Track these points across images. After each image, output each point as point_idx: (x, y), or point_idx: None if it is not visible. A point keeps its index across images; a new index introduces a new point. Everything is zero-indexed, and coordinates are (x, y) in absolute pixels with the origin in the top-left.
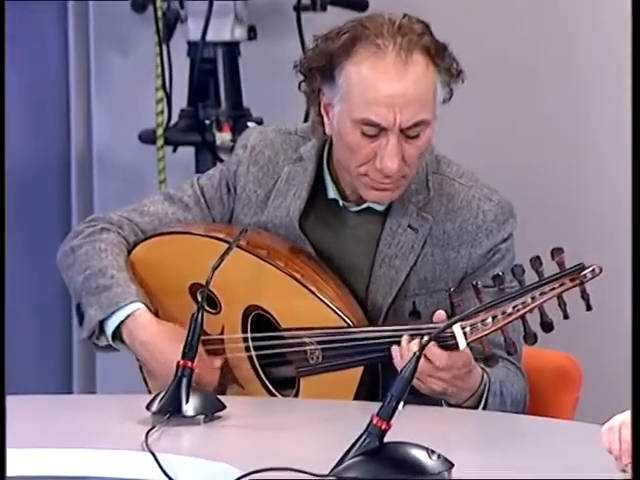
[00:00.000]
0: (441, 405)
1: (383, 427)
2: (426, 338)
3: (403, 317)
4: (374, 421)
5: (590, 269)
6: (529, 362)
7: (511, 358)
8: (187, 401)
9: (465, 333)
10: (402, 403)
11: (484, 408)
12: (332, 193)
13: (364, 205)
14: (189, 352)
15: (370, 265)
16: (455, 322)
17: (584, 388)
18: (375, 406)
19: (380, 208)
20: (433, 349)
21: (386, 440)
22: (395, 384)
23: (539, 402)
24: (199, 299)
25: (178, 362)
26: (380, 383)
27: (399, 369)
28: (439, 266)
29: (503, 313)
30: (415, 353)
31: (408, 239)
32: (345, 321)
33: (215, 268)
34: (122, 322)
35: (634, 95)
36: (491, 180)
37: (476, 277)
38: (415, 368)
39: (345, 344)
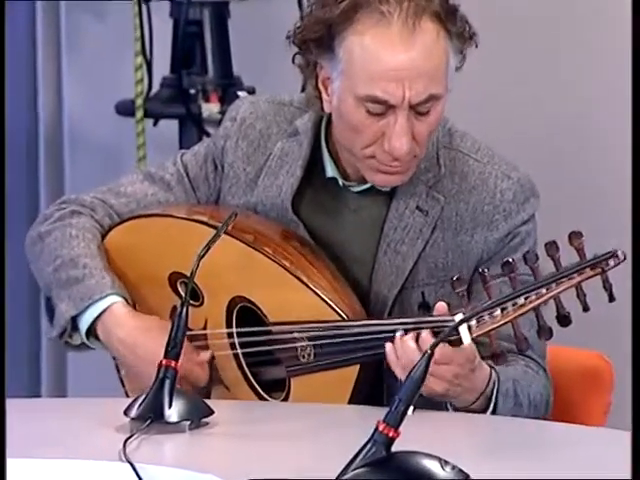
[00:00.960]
0: (445, 408)
1: (391, 435)
2: (426, 333)
3: (411, 310)
4: (380, 428)
5: (612, 255)
6: (553, 361)
7: (533, 355)
8: (170, 405)
9: (470, 327)
10: (412, 408)
11: (494, 412)
12: (330, 171)
13: (367, 185)
14: (172, 351)
15: (374, 252)
16: (466, 321)
17: (617, 390)
18: (374, 411)
19: (385, 188)
20: (429, 341)
21: (394, 449)
22: (403, 387)
23: (565, 406)
24: (180, 291)
25: (160, 362)
26: (385, 384)
27: (393, 369)
28: (451, 252)
29: (514, 305)
30: (426, 352)
31: (416, 222)
32: (339, 314)
33: (201, 257)
34: (97, 317)
35: (634, 95)
36: (508, 156)
37: (493, 264)
38: (427, 368)
39: (339, 340)
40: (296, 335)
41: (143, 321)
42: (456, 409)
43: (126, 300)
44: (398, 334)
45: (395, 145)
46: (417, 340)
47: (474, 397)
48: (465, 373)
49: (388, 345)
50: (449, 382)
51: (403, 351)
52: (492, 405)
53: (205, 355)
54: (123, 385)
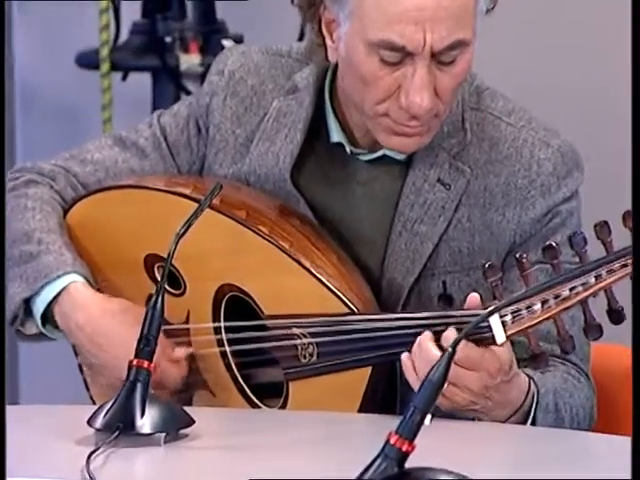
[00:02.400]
0: (473, 418)
1: (404, 448)
2: (450, 331)
3: (430, 302)
4: (392, 440)
5: None
6: (598, 361)
7: (574, 358)
8: (142, 414)
9: (504, 323)
10: (429, 417)
11: None
12: (336, 136)
13: (379, 152)
14: (145, 349)
15: (386, 233)
16: (498, 310)
17: None
18: (389, 420)
19: (400, 157)
20: (451, 338)
21: (408, 465)
22: (419, 392)
23: (612, 412)
24: (158, 276)
25: (131, 362)
26: (398, 390)
27: (410, 381)
28: (478, 234)
29: (556, 297)
30: (447, 350)
31: (437, 197)
32: (348, 306)
33: (180, 236)
34: (54, 300)
35: (634, 95)
36: (547, 119)
37: (528, 249)
38: (447, 370)
39: (347, 337)
40: (296, 331)
41: (109, 303)
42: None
43: (88, 281)
44: (417, 342)
45: (414, 100)
46: (437, 340)
47: (508, 413)
48: (497, 384)
49: (404, 355)
50: (476, 394)
51: (422, 359)
52: (530, 422)
53: (181, 352)
54: (87, 388)
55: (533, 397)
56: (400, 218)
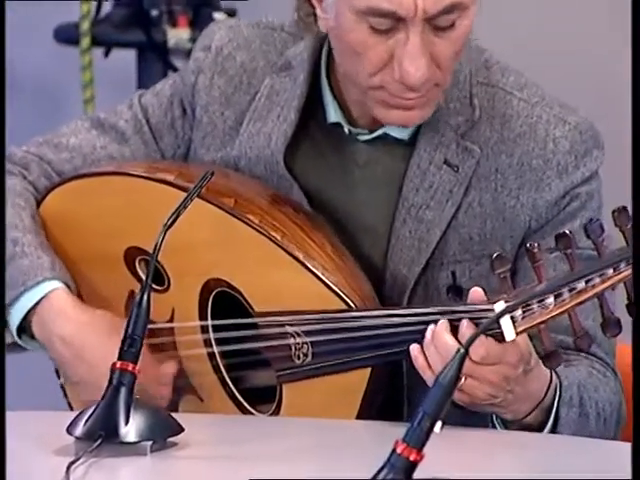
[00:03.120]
0: (490, 423)
1: (412, 458)
2: (467, 324)
3: (438, 295)
4: (399, 449)
5: None
6: (621, 361)
7: (597, 352)
8: (127, 421)
9: (514, 319)
10: (439, 423)
11: (555, 425)
12: (333, 115)
13: (380, 131)
14: (130, 350)
15: (389, 219)
16: (509, 311)
17: None
18: (391, 428)
19: (403, 136)
20: (468, 336)
21: (416, 476)
22: (429, 395)
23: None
24: (140, 271)
25: (114, 364)
26: (404, 394)
27: (426, 378)
28: (490, 219)
29: (571, 290)
30: (459, 350)
31: (444, 181)
32: (345, 302)
33: (168, 227)
34: (32, 309)
35: (634, 95)
36: (563, 95)
37: (544, 236)
38: (459, 371)
39: (345, 336)
40: (289, 329)
41: (92, 316)
42: (504, 425)
43: (69, 287)
44: (429, 332)
45: (408, 70)
46: (454, 333)
47: (529, 407)
48: (518, 375)
49: (415, 348)
50: (496, 387)
51: (438, 350)
52: (552, 417)
53: (169, 368)
54: (65, 395)
55: (556, 390)
56: (404, 203)
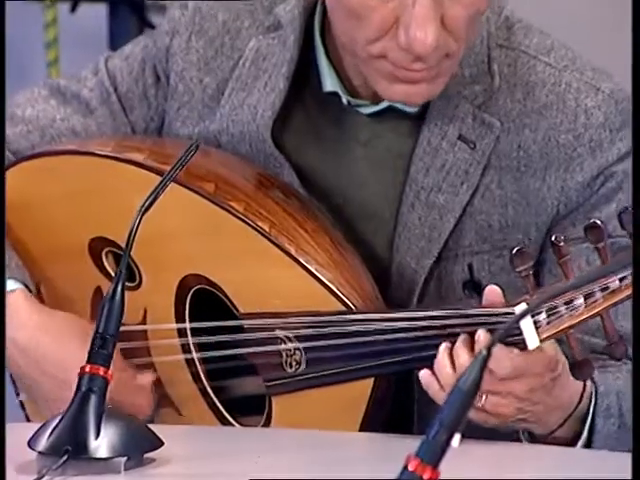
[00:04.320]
0: (517, 438)
1: (426, 476)
2: (482, 334)
3: (453, 291)
4: (411, 466)
5: None
6: None
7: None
8: (98, 433)
9: (538, 323)
10: (458, 436)
11: (590, 438)
12: (330, 83)
13: (384, 103)
14: (101, 351)
15: (396, 204)
16: (527, 314)
17: None
18: (401, 441)
19: (411, 108)
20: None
21: None
22: (445, 404)
23: None
24: (107, 265)
25: (83, 368)
26: (415, 407)
27: (431, 394)
28: (512, 204)
29: (604, 290)
30: (482, 352)
31: (459, 159)
32: (343, 302)
33: (143, 212)
34: None
35: (634, 94)
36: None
37: (575, 222)
38: (480, 376)
39: (343, 341)
40: (279, 333)
41: (52, 319)
42: (533, 439)
43: (27, 287)
44: (443, 350)
45: (415, 36)
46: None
47: (559, 418)
48: (545, 384)
49: (425, 374)
50: (524, 400)
51: (445, 366)
52: (587, 429)
53: (147, 378)
54: (23, 407)
55: (591, 398)
56: (412, 186)
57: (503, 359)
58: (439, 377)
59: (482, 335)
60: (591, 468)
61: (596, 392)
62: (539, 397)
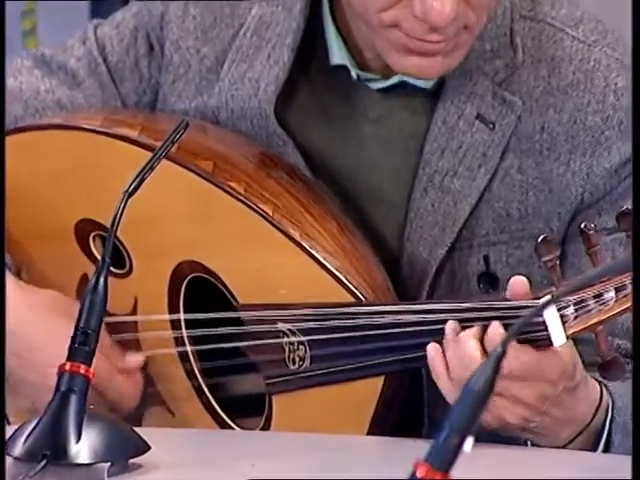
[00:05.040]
0: (523, 442)
1: None
2: (496, 326)
3: (467, 285)
4: (420, 472)
5: None
6: None
7: None
8: (79, 437)
9: (564, 318)
10: (471, 439)
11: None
12: (338, 56)
13: (397, 78)
14: (82, 347)
15: (408, 189)
16: (554, 301)
17: None
18: (409, 445)
19: (426, 84)
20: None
21: None
22: (456, 405)
23: None
24: (94, 249)
25: (62, 366)
26: (425, 409)
27: (440, 385)
28: (533, 191)
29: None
30: (497, 350)
31: (477, 141)
32: (352, 293)
33: (130, 194)
34: None
35: (634, 94)
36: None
37: (601, 212)
38: (494, 375)
39: (350, 335)
40: (281, 326)
41: (34, 296)
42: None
43: (6, 266)
44: (450, 328)
45: (432, 5)
46: (481, 338)
47: (571, 433)
48: (558, 394)
49: (432, 348)
50: (531, 408)
51: (457, 356)
52: (602, 445)
53: (135, 358)
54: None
55: (607, 411)
56: (425, 169)
57: (510, 355)
58: (447, 353)
59: (493, 327)
60: (591, 468)
61: (613, 405)
62: (548, 407)
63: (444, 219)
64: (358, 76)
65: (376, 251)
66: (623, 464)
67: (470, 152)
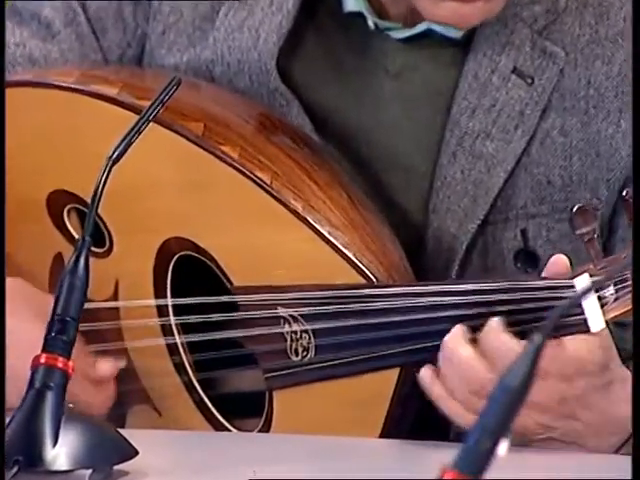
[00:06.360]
0: None
1: None
2: (496, 326)
3: (502, 263)
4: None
5: None
6: None
7: None
8: (55, 440)
9: (603, 300)
10: (505, 443)
11: None
12: (352, 2)
13: (421, 26)
14: (60, 337)
15: (433, 154)
16: (595, 287)
17: None
18: (435, 449)
19: (455, 34)
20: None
21: None
22: (489, 404)
23: None
24: (69, 225)
25: (36, 359)
26: None
27: (438, 403)
28: (578, 155)
29: None
30: (534, 341)
31: (513, 98)
32: (363, 274)
33: (114, 161)
34: None
35: (634, 94)
36: None
37: None
38: (532, 373)
39: (362, 322)
40: (282, 312)
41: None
42: None
43: None
44: (451, 338)
45: None
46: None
47: (617, 440)
48: (582, 393)
49: (424, 374)
50: (547, 411)
51: (488, 348)
52: None
53: (107, 366)
54: None
55: None
56: (454, 131)
57: (510, 350)
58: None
59: (494, 333)
60: (591, 469)
61: None
62: (577, 410)
63: (475, 188)
64: (376, 25)
65: (396, 225)
66: (623, 464)
67: (505, 111)
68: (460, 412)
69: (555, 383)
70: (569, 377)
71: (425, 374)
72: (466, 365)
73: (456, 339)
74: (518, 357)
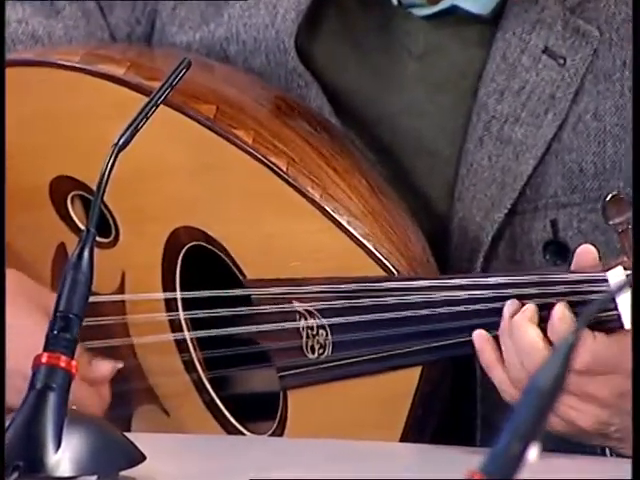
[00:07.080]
0: (601, 452)
1: None
2: (560, 309)
3: (530, 255)
4: None
5: None
6: None
7: None
8: (58, 444)
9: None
10: (536, 448)
11: None
12: None
13: (446, 2)
14: (63, 335)
15: (459, 139)
16: (625, 287)
17: None
18: (460, 454)
19: (483, 10)
20: (564, 326)
21: None
22: (519, 405)
23: None
24: (72, 215)
25: (38, 358)
26: (478, 410)
27: (493, 377)
28: (612, 141)
29: None
30: (567, 340)
31: (544, 79)
32: (383, 266)
33: (121, 147)
34: None
35: (634, 94)
36: None
37: None
38: (564, 374)
39: (382, 317)
40: (297, 306)
41: None
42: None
43: None
44: (509, 309)
45: None
46: (540, 322)
47: None
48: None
49: (477, 336)
50: (607, 407)
51: (514, 342)
52: None
53: (104, 367)
54: None
55: None
56: (481, 115)
57: (579, 347)
58: (503, 338)
59: (558, 309)
60: (590, 470)
61: None
62: (622, 402)
63: (503, 175)
64: (399, 2)
65: (420, 215)
66: (623, 465)
67: (535, 93)
68: (507, 384)
69: (615, 377)
70: (629, 370)
71: (480, 336)
72: (529, 345)
73: (527, 316)
74: (549, 357)
